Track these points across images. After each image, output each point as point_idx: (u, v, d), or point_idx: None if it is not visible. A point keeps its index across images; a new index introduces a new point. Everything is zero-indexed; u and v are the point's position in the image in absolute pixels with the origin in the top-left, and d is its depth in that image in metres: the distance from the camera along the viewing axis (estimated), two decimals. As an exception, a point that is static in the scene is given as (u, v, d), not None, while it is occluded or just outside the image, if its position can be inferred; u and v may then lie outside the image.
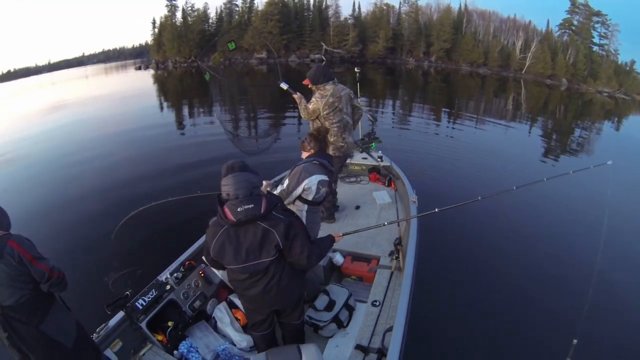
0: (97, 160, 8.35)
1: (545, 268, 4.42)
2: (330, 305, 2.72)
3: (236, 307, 2.76)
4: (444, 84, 29.31)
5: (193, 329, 2.64)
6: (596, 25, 45.16)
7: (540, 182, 2.85)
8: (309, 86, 3.61)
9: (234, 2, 48.82)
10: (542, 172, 5.90)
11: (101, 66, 77.82)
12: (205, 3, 64.78)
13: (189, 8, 47.22)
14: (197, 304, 2.68)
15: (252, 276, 1.96)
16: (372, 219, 3.97)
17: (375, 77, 31.06)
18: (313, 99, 3.56)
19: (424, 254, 3.19)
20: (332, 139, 3.55)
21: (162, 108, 17.73)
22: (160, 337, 2.43)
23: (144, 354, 2.39)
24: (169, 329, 2.46)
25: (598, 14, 44.77)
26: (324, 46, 46.76)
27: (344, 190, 4.59)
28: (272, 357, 1.92)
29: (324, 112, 3.51)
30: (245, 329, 2.66)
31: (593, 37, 45.26)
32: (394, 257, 3.04)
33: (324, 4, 49.45)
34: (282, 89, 3.89)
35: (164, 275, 2.68)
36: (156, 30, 48.31)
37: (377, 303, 2.66)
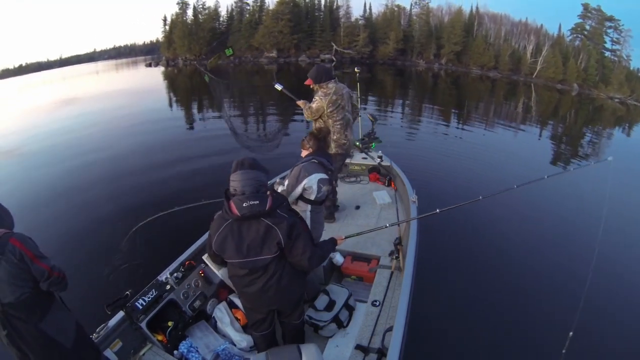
0: (108, 161, 8.32)
1: (545, 267, 4.44)
2: (330, 305, 2.72)
3: (236, 307, 2.76)
4: (454, 87, 29.08)
5: (193, 328, 2.64)
6: (609, 31, 44.24)
7: (541, 181, 2.84)
8: (311, 86, 3.63)
9: (245, 1, 49.06)
10: (544, 171, 5.90)
11: (112, 62, 78.69)
12: (217, 1, 64.69)
13: (200, 6, 47.60)
14: (197, 303, 2.69)
15: (251, 273, 1.97)
16: (372, 219, 3.97)
17: (385, 78, 30.98)
18: (316, 97, 3.58)
19: (424, 254, 3.20)
20: (335, 137, 3.62)
21: (171, 105, 17.90)
22: (160, 337, 2.43)
23: (144, 354, 2.39)
24: (169, 329, 2.46)
25: (611, 19, 43.89)
26: (334, 46, 46.64)
27: (344, 190, 4.59)
28: (272, 357, 1.92)
29: (328, 110, 3.55)
30: (245, 328, 2.66)
31: (605, 43, 44.35)
32: (394, 257, 3.05)
33: (335, 4, 49.33)
34: (276, 89, 3.93)
35: (164, 275, 2.69)
36: (167, 27, 48.72)
37: (377, 303, 2.66)
